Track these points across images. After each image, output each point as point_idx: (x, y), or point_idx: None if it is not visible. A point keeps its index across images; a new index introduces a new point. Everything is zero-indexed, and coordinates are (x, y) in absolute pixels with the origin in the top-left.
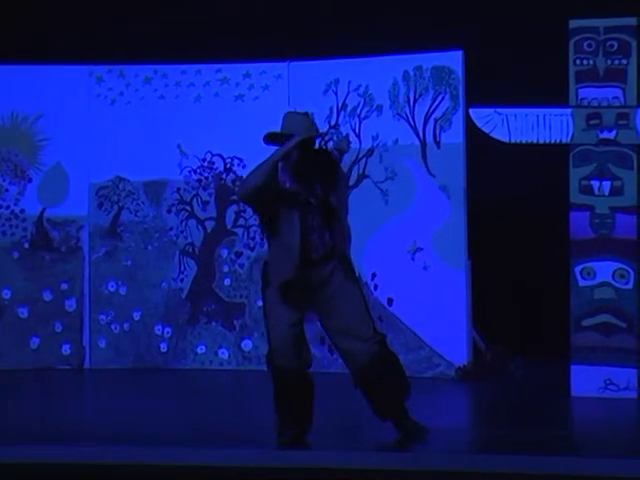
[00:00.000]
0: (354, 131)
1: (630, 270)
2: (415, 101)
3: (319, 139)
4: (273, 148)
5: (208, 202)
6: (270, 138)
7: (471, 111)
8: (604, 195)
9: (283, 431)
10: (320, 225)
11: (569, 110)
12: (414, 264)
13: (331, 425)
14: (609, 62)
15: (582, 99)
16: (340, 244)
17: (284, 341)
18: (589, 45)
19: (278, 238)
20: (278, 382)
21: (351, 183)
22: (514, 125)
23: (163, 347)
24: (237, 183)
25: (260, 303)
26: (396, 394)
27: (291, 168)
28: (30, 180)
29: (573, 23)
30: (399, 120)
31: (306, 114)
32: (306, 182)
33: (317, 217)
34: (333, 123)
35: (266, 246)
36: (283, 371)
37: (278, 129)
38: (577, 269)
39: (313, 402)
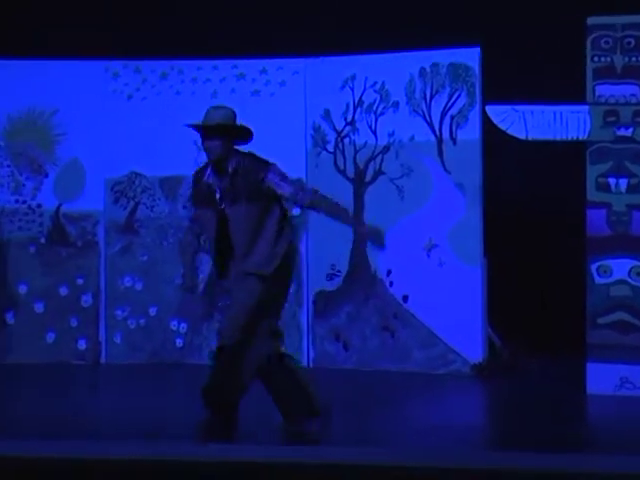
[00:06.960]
0: (370, 127)
1: None
2: (431, 97)
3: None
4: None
5: None
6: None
7: (488, 108)
8: (621, 192)
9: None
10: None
11: (586, 107)
12: (430, 261)
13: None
14: (626, 59)
15: (599, 96)
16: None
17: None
18: (606, 42)
19: None
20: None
21: (367, 180)
22: (531, 122)
23: (179, 342)
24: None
25: None
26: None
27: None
28: (46, 175)
29: (591, 20)
30: (415, 116)
31: (224, 107)
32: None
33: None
34: (349, 119)
35: None
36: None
37: (296, 123)
38: (593, 267)
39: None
